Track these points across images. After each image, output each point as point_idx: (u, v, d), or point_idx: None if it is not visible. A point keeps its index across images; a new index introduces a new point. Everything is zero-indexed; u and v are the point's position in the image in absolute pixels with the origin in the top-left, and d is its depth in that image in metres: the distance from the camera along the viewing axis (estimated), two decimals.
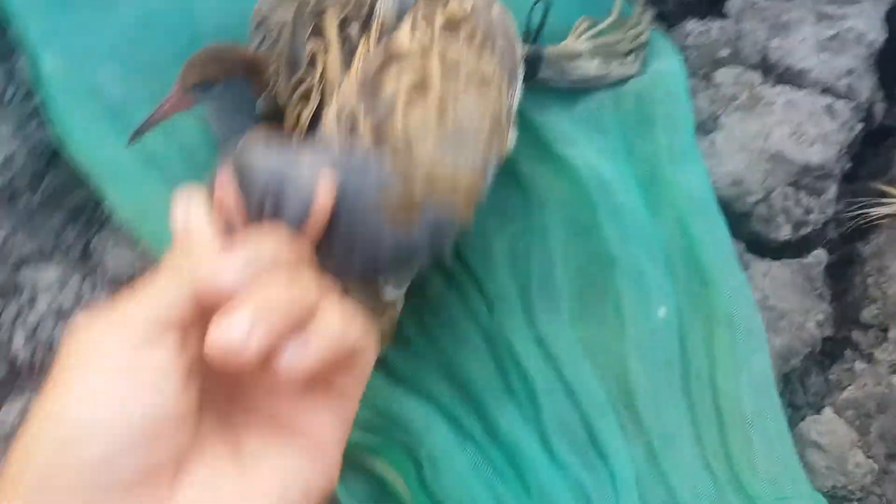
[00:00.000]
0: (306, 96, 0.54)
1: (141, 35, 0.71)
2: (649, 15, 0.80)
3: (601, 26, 0.79)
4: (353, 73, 0.51)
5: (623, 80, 0.78)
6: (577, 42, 0.78)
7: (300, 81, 0.55)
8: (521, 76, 0.63)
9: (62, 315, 0.60)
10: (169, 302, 0.25)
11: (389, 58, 0.51)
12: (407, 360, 0.60)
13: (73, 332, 0.25)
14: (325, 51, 0.54)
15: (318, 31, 0.56)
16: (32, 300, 0.60)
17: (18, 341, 0.58)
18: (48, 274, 0.61)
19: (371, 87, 0.49)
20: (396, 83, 0.49)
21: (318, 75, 0.54)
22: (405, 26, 0.54)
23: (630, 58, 0.79)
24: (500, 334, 0.64)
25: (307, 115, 0.53)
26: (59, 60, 0.66)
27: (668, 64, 0.78)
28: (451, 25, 0.56)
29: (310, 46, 0.55)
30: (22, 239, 0.63)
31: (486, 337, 0.64)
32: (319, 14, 0.57)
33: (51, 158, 0.70)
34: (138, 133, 0.57)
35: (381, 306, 0.55)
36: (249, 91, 0.60)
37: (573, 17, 0.79)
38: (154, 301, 0.25)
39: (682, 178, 0.73)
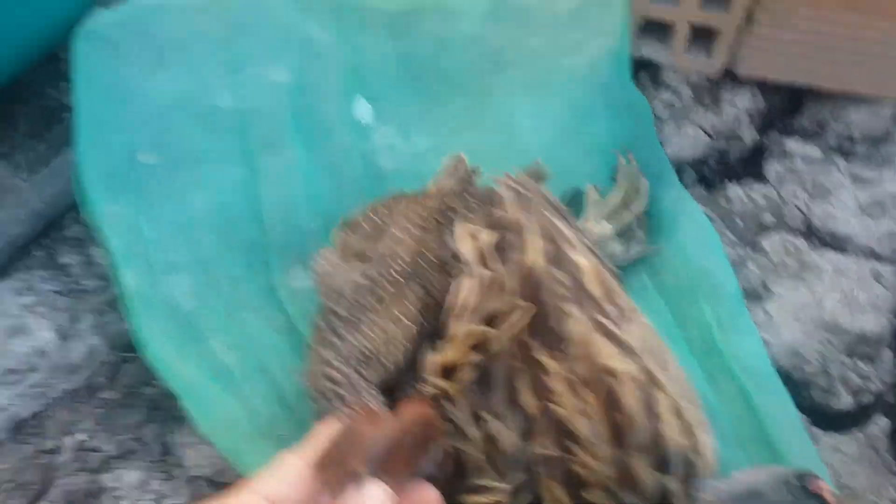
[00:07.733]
0: None
1: (217, 250, 0.72)
2: (646, 184, 0.80)
3: (614, 200, 0.79)
4: None
5: (645, 257, 0.78)
6: (600, 224, 0.79)
7: None
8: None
9: None
10: None
11: None
12: None
13: None
14: None
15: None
16: None
17: None
18: (130, 476, 0.62)
19: None
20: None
21: None
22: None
23: (640, 234, 0.79)
24: None
25: None
26: (137, 275, 0.66)
27: (699, 233, 0.78)
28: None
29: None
30: (103, 439, 0.64)
31: None
32: None
33: (127, 348, 0.71)
34: None
35: None
36: None
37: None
38: None
39: (737, 348, 0.74)
